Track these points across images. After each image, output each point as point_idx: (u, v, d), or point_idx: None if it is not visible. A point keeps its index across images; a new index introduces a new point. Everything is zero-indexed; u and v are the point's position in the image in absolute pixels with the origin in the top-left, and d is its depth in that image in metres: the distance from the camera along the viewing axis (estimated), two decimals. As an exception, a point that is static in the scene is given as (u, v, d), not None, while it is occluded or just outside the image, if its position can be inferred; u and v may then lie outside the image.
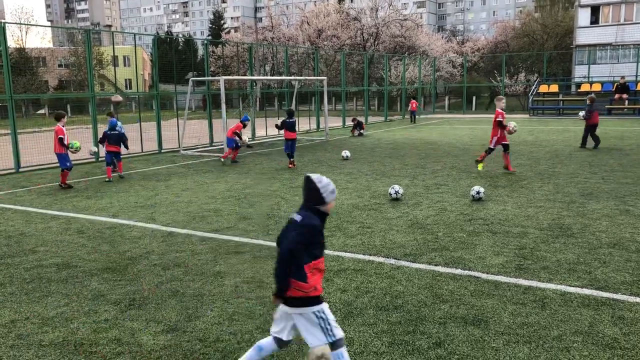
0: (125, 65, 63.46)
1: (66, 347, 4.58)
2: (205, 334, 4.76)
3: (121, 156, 13.83)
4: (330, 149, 19.21)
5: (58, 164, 12.64)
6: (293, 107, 22.35)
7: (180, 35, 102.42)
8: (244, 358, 3.87)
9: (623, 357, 4.24)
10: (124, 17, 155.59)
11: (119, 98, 15.70)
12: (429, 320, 4.91)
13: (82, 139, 15.23)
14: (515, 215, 8.78)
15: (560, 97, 37.19)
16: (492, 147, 13.37)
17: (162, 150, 19.49)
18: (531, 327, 4.77)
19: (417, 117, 34.48)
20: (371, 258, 6.74)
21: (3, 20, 16.54)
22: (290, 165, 14.61)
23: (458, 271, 6.18)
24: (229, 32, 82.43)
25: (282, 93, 31.04)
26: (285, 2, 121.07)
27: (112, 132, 13.40)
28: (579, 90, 37.53)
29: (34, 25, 33.18)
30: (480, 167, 13.60)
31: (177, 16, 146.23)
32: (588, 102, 18.14)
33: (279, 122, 15.76)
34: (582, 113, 18.03)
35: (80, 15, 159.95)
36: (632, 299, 5.33)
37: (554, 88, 37.98)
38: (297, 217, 3.70)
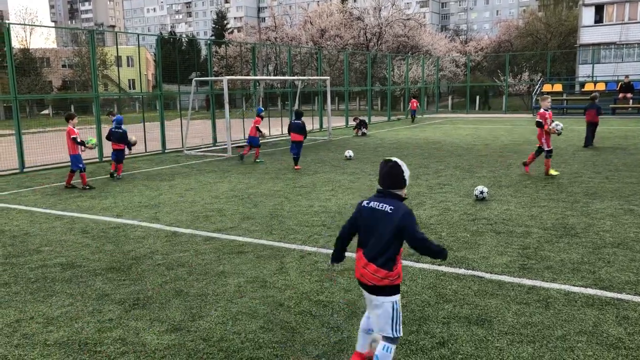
0: (128, 66, 63.59)
1: (71, 347, 4.59)
2: (209, 333, 4.77)
3: (124, 157, 13.92)
4: (333, 149, 19.21)
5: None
6: (297, 107, 22.38)
7: (184, 36, 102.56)
8: (359, 345, 3.91)
9: (627, 357, 4.23)
10: (128, 17, 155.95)
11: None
12: (432, 320, 4.91)
13: (84, 139, 15.28)
14: (519, 214, 8.76)
15: (564, 97, 37.11)
16: (547, 149, 12.42)
17: (166, 150, 19.53)
18: (535, 326, 4.76)
19: (416, 116, 34.50)
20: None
21: (7, 21, 16.59)
22: (295, 167, 14.52)
23: (462, 271, 6.17)
24: (232, 32, 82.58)
25: (285, 93, 31.06)
26: (289, 2, 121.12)
27: (116, 130, 13.46)
28: (582, 89, 37.43)
29: (38, 25, 33.32)
30: (552, 172, 12.45)
31: (181, 16, 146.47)
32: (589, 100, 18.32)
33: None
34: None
35: (84, 16, 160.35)
36: (636, 298, 5.32)
37: (558, 87, 37.89)
38: (386, 207, 3.72)
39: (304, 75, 35.75)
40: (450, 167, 14.20)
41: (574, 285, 5.68)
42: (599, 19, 44.43)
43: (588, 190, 10.62)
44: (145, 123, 19.19)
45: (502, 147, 18.22)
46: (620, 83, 33.75)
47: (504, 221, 8.35)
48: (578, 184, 11.31)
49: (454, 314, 5.04)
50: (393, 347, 3.81)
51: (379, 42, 55.00)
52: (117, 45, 19.84)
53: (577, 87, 39.82)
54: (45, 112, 47.61)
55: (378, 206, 3.76)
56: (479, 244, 7.19)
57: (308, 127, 19.02)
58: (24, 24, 67.65)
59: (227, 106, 17.86)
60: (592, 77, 39.11)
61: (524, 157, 15.63)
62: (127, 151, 14.09)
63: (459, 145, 19.18)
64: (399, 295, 3.84)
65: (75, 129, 12.23)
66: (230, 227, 8.41)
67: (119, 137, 13.47)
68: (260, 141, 16.44)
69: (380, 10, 56.73)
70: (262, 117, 16.46)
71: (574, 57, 46.96)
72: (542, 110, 12.47)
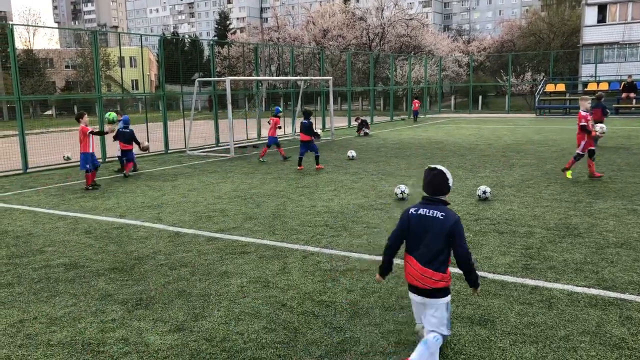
0: (131, 66, 63.76)
1: (74, 347, 4.60)
2: (212, 333, 4.78)
3: (134, 156, 14.14)
4: (336, 149, 19.21)
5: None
6: (299, 107, 22.37)
7: (187, 36, 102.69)
8: (417, 353, 3.98)
9: (631, 358, 4.22)
10: (131, 18, 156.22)
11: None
12: (435, 320, 4.90)
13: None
14: (522, 215, 8.75)
15: (567, 97, 37.02)
16: (580, 152, 11.95)
17: (169, 151, 19.55)
18: (538, 327, 4.75)
19: (418, 116, 34.49)
20: (378, 258, 6.73)
21: (11, 23, 16.64)
22: (299, 168, 14.48)
23: (464, 271, 6.16)
24: (234, 32, 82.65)
25: (287, 93, 31.06)
26: (291, 3, 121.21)
27: (124, 130, 13.50)
28: (585, 89, 37.31)
29: (41, 26, 33.40)
30: (568, 174, 12.07)
31: (183, 17, 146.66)
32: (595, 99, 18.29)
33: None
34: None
35: (87, 17, 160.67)
36: (639, 299, 5.31)
37: (561, 87, 37.81)
38: (437, 214, 3.90)
39: (307, 76, 35.77)
40: (453, 167, 14.18)
41: (577, 286, 5.67)
42: (601, 19, 44.33)
43: (591, 190, 10.60)
44: (148, 123, 19.21)
45: (505, 147, 18.19)
46: (623, 83, 33.65)
47: (507, 221, 8.34)
48: (581, 184, 11.29)
49: (456, 314, 5.04)
50: (442, 339, 4.01)
51: (382, 42, 54.98)
52: (120, 46, 19.88)
53: (580, 87, 39.71)
54: (49, 112, 47.71)
55: (428, 213, 3.94)
56: (481, 244, 7.18)
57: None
58: (27, 25, 67.91)
59: (229, 106, 17.88)
60: (595, 76, 39.02)
61: (526, 156, 15.62)
62: (136, 150, 14.23)
63: (462, 145, 19.16)
64: (450, 295, 4.06)
65: (88, 126, 12.28)
66: (233, 227, 8.42)
67: (128, 138, 13.51)
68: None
69: (382, 11, 56.73)
70: (279, 117, 16.70)
71: (577, 56, 46.87)
72: (582, 112, 11.77)
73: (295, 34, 59.80)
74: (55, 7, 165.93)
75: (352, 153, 16.40)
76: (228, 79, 18.36)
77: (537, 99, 37.52)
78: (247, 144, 21.19)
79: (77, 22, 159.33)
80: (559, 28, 55.25)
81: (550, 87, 37.96)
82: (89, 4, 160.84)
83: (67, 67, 58.11)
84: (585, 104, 11.97)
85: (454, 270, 4.13)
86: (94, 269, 6.61)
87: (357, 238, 7.64)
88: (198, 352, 4.45)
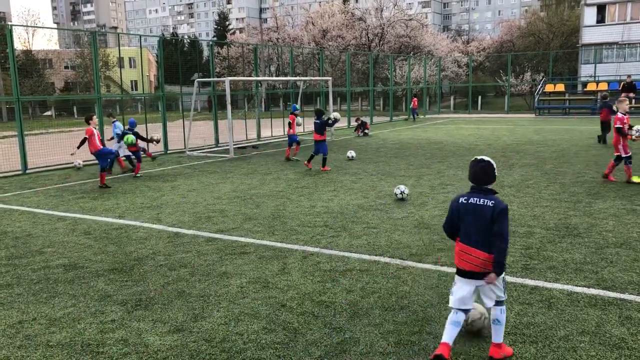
0: (131, 67, 63.74)
1: (73, 348, 4.60)
2: (212, 334, 4.77)
3: (141, 156, 14.38)
4: (335, 149, 19.21)
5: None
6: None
7: (186, 37, 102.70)
8: (496, 332, 4.21)
9: (630, 357, 4.22)
10: (130, 18, 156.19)
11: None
12: (435, 321, 4.91)
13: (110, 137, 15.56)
14: (522, 215, 8.75)
15: (567, 97, 37.04)
16: (625, 155, 11.25)
17: (168, 151, 19.55)
18: (538, 327, 4.75)
19: (417, 115, 34.53)
20: (377, 258, 6.73)
21: (10, 23, 16.65)
22: (306, 164, 14.44)
23: (464, 271, 6.16)
24: (234, 33, 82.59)
25: (287, 94, 31.06)
26: (290, 3, 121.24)
27: (130, 132, 13.68)
28: (585, 89, 37.37)
29: (40, 27, 33.42)
30: (636, 179, 11.21)
31: (183, 17, 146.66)
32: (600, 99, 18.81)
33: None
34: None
35: (86, 17, 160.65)
36: (639, 298, 5.30)
37: (560, 87, 37.83)
38: (488, 202, 4.12)
39: (306, 76, 35.77)
40: (453, 167, 14.18)
41: (576, 286, 5.67)
42: (601, 19, 44.35)
43: (590, 190, 10.60)
44: (148, 124, 19.21)
45: (505, 147, 18.19)
46: (622, 83, 33.65)
47: (507, 221, 8.33)
48: (581, 184, 11.29)
49: (456, 314, 5.03)
50: (505, 307, 4.25)
51: (381, 43, 54.98)
52: (119, 47, 19.88)
53: (579, 87, 39.74)
54: (48, 113, 47.71)
55: (479, 201, 4.16)
56: (481, 244, 7.17)
57: (309, 128, 19.00)
58: (27, 26, 67.85)
59: (229, 107, 17.88)
60: (595, 77, 39.04)
61: (525, 157, 15.62)
62: (143, 145, 14.44)
63: (461, 146, 19.16)
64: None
65: (94, 129, 12.46)
66: (233, 227, 8.42)
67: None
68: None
69: (382, 11, 56.71)
70: (296, 115, 16.88)
71: (576, 57, 46.87)
72: (619, 115, 11.22)
73: (295, 34, 59.81)
74: (54, 8, 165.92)
75: (351, 153, 16.40)
76: (227, 79, 18.36)
77: (536, 99, 37.54)
78: (246, 144, 21.19)
79: (76, 22, 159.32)
80: (558, 28, 55.26)
81: (549, 87, 37.98)
82: (88, 5, 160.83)
83: (66, 67, 58.12)
84: (623, 106, 11.35)
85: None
86: (93, 269, 6.61)
87: (356, 238, 7.64)
88: (198, 353, 4.44)
